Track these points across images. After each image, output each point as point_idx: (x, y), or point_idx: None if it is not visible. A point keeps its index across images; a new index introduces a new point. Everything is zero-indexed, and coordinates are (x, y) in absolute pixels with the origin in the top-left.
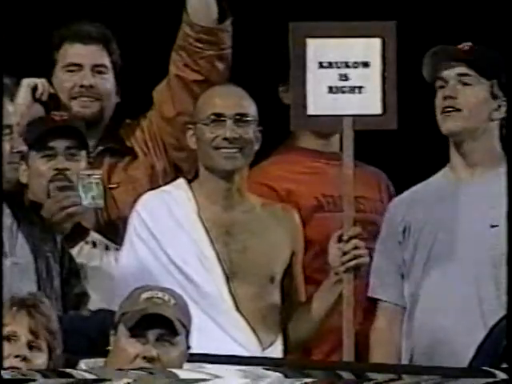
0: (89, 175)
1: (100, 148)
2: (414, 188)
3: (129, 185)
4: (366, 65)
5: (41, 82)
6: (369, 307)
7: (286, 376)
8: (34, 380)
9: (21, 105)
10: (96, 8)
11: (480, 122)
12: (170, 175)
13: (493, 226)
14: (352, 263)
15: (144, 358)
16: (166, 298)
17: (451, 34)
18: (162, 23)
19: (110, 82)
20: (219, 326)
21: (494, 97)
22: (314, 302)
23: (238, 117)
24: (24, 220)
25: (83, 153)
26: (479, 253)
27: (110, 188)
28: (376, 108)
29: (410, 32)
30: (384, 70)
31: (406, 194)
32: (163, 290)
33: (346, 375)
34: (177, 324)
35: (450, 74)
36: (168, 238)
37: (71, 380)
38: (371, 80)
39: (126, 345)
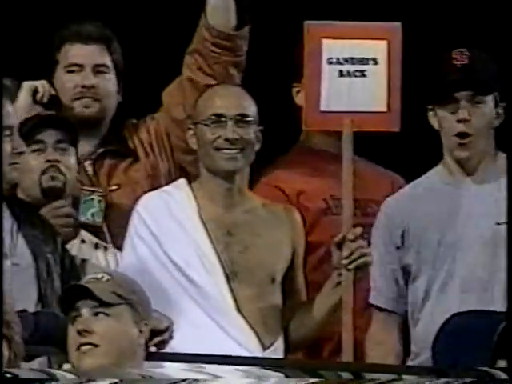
0: (92, 191)
1: (101, 150)
2: (407, 188)
3: (128, 187)
4: (375, 62)
5: (41, 84)
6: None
7: (287, 376)
8: (34, 380)
9: (21, 108)
10: (101, 8)
11: (488, 139)
12: (174, 177)
13: (498, 224)
14: (359, 262)
15: (78, 332)
16: (100, 276)
17: (456, 35)
18: (171, 23)
19: (112, 82)
20: (220, 326)
21: (496, 105)
22: (315, 303)
23: (238, 117)
24: (24, 221)
25: (72, 148)
26: (486, 252)
27: (110, 191)
28: (381, 107)
29: (416, 33)
30: (390, 70)
31: (400, 194)
32: (107, 272)
33: (346, 375)
34: (102, 294)
35: (461, 95)
36: (169, 239)
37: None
38: (378, 79)
39: (68, 328)
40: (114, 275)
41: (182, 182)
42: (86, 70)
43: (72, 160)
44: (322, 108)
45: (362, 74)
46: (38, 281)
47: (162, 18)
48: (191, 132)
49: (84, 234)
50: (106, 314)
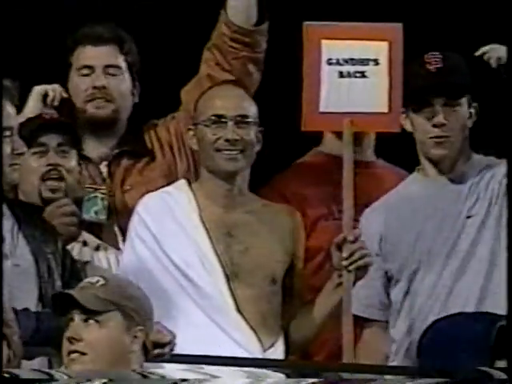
0: (95, 189)
1: (116, 151)
2: (384, 197)
3: (142, 186)
4: (376, 63)
5: (52, 88)
6: None
7: (287, 377)
8: (34, 380)
9: (30, 112)
10: (118, 8)
11: (463, 140)
12: (192, 176)
13: (468, 217)
14: (359, 263)
15: (68, 339)
16: (95, 280)
17: (457, 36)
18: (188, 23)
19: (126, 83)
20: (220, 327)
21: (469, 106)
22: (316, 304)
23: (238, 118)
24: (25, 221)
25: (74, 151)
26: (463, 248)
27: (124, 191)
28: (382, 108)
29: (416, 34)
30: (391, 71)
31: (377, 204)
32: (104, 275)
33: (346, 376)
34: (88, 302)
35: (437, 100)
36: (169, 239)
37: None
38: (379, 79)
39: (64, 333)
40: (111, 279)
41: (183, 182)
42: (97, 71)
43: (73, 163)
44: (322, 109)
45: (363, 74)
46: (38, 281)
47: (181, 17)
48: (191, 133)
49: (85, 235)
50: (97, 321)
